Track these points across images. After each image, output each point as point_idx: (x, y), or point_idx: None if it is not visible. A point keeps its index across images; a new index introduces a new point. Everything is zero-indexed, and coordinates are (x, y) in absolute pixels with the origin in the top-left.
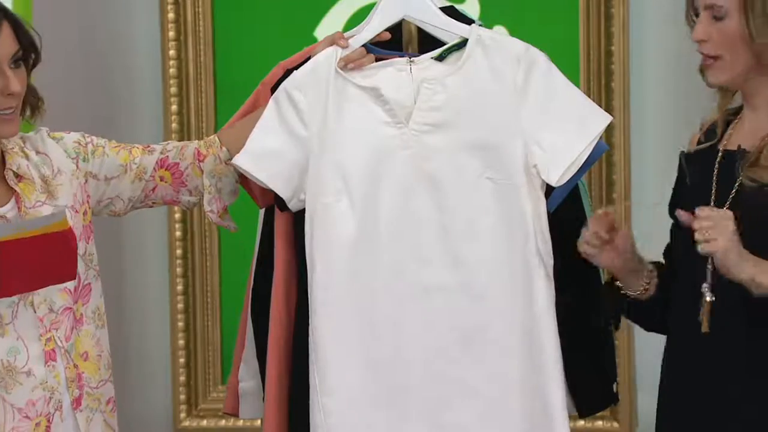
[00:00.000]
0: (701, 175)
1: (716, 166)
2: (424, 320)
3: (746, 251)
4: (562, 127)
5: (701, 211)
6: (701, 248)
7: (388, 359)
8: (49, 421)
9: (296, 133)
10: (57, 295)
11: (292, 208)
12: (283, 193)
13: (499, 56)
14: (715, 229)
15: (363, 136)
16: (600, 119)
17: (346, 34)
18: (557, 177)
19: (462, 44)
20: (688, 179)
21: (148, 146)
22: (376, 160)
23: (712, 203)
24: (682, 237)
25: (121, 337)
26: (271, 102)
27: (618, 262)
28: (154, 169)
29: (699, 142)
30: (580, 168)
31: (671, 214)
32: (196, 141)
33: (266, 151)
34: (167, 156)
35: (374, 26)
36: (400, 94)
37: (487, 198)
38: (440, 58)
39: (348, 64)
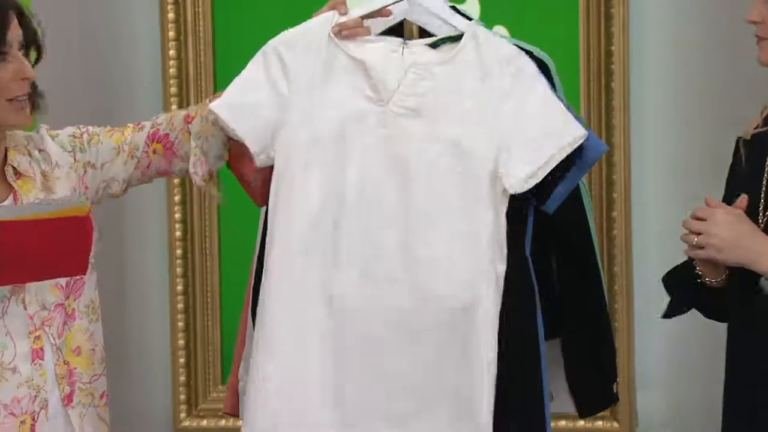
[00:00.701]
0: (755, 161)
1: None
2: (367, 307)
3: (758, 239)
4: (533, 138)
5: (700, 213)
6: (693, 254)
7: (331, 337)
8: (34, 419)
9: (278, 89)
10: (49, 291)
11: (259, 164)
12: (253, 147)
13: (491, 55)
14: (708, 230)
15: (342, 108)
16: (574, 134)
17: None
18: (516, 185)
19: (458, 37)
20: (744, 163)
21: (139, 123)
22: (351, 134)
23: (763, 191)
24: None
25: (121, 337)
26: (258, 55)
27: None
28: (146, 143)
29: (757, 127)
30: (581, 168)
31: (727, 202)
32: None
33: (245, 103)
34: (158, 129)
35: (369, 5)
36: (388, 74)
37: (452, 195)
38: (434, 46)
39: (343, 31)
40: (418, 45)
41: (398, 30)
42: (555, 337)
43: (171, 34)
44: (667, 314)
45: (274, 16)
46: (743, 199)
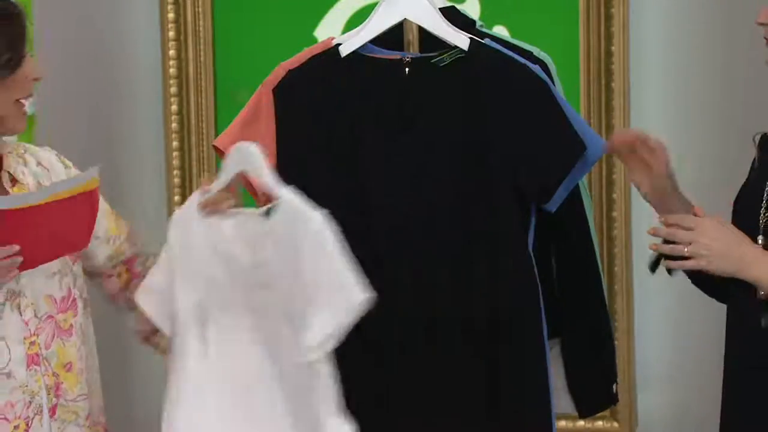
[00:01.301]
0: (764, 162)
1: None
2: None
3: (747, 248)
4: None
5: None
6: (678, 265)
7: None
8: (27, 425)
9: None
10: (42, 301)
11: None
12: (164, 327)
13: (296, 225)
14: (696, 239)
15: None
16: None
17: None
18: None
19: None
20: (756, 163)
21: (133, 235)
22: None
23: (766, 191)
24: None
25: (121, 342)
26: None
27: (649, 181)
28: (123, 262)
29: None
30: (582, 168)
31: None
32: None
33: (153, 287)
34: (135, 258)
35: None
36: (236, 249)
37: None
38: (267, 213)
39: (206, 208)
40: (251, 214)
41: (398, 31)
42: (555, 337)
43: (171, 33)
44: (654, 266)
45: (274, 15)
46: (698, 209)
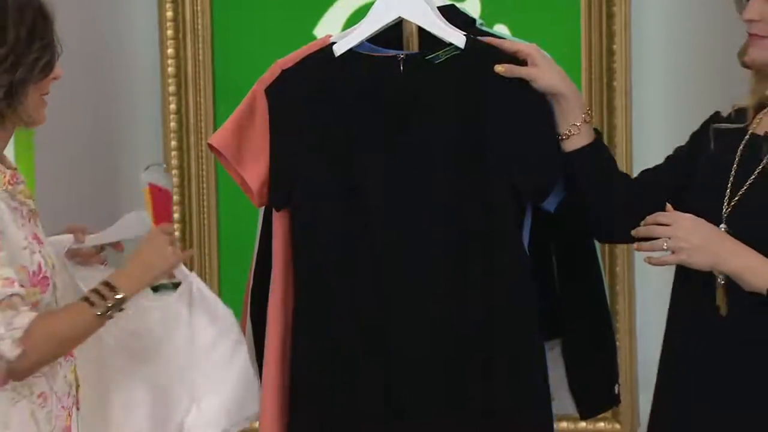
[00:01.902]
0: (723, 154)
1: (741, 147)
2: None
3: (724, 241)
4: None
5: (661, 218)
6: (661, 261)
7: None
8: (70, 415)
9: None
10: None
11: None
12: None
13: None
14: (675, 234)
15: None
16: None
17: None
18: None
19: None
20: (711, 153)
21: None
22: None
23: (730, 183)
24: None
25: None
26: None
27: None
28: None
29: (729, 120)
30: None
31: (670, 162)
32: None
33: None
34: None
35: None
36: None
37: None
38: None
39: (75, 258)
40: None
41: (398, 30)
42: (556, 338)
43: (169, 32)
44: None
45: (273, 14)
46: (669, 206)
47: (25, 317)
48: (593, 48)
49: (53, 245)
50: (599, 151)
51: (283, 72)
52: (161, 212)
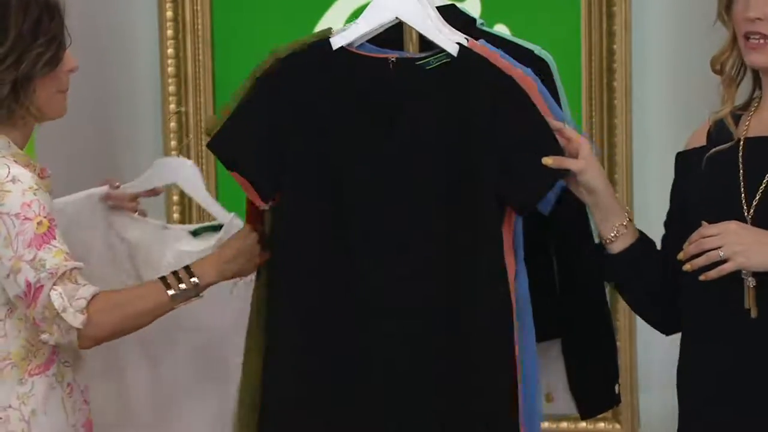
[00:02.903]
0: (724, 172)
1: (741, 153)
2: None
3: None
4: None
5: (706, 230)
6: (716, 272)
7: None
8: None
9: None
10: None
11: None
12: None
13: None
14: (726, 241)
15: None
16: None
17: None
18: None
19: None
20: (708, 178)
21: None
22: None
23: (742, 196)
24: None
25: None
26: None
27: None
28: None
29: (710, 140)
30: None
31: (673, 218)
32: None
33: None
34: None
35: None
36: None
37: None
38: (195, 233)
39: (110, 200)
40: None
41: (398, 30)
42: (555, 338)
43: (169, 32)
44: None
45: (274, 13)
46: (704, 222)
47: (88, 289)
48: (593, 48)
49: (90, 197)
50: (646, 243)
51: (276, 61)
52: (254, 211)
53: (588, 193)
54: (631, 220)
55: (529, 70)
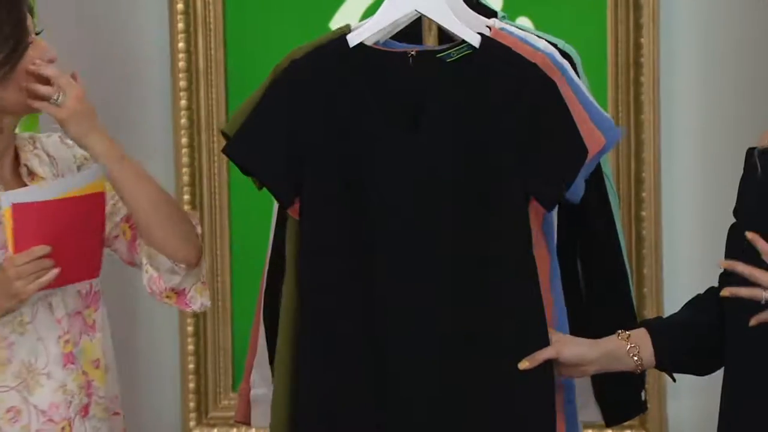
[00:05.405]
0: None
1: None
2: None
3: None
4: None
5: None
6: None
7: None
8: (70, 425)
9: None
10: (70, 297)
11: None
12: None
13: None
14: None
15: None
16: None
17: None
18: None
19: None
20: (760, 176)
21: None
22: None
23: None
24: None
25: (129, 342)
26: None
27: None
28: (122, 219)
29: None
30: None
31: (738, 218)
32: None
33: None
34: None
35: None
36: None
37: None
38: None
39: None
40: None
41: (417, 24)
42: None
43: (180, 26)
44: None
45: (288, 6)
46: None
47: None
48: (620, 41)
49: None
50: (664, 332)
51: (292, 62)
52: (24, 234)
53: (583, 366)
54: (629, 336)
55: (555, 52)
